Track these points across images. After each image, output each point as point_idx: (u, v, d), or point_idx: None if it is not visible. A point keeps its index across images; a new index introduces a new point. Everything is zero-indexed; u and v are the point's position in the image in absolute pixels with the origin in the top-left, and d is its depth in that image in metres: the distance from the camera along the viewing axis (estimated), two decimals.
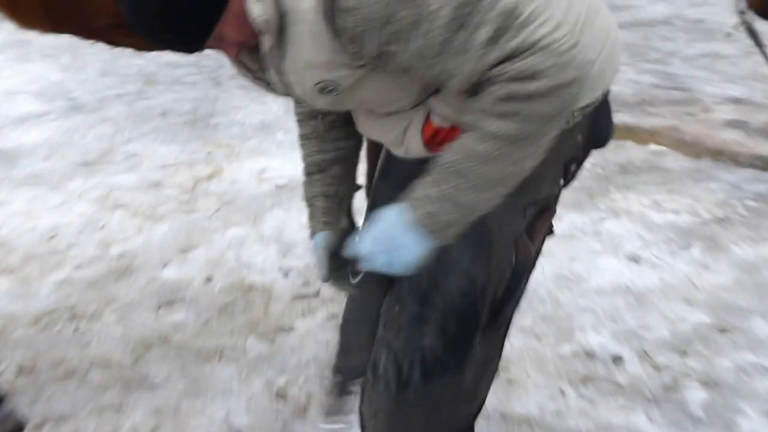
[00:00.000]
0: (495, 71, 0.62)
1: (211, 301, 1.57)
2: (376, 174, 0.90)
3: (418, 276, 0.75)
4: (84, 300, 1.58)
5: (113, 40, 1.18)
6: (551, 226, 0.84)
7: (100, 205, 2.00)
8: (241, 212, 1.96)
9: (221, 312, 1.54)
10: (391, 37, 0.61)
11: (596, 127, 0.78)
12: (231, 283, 1.64)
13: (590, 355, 1.39)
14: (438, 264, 0.75)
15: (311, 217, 0.88)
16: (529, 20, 0.60)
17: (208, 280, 1.65)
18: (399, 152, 0.78)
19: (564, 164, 0.77)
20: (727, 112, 2.55)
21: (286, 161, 2.22)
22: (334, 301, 1.57)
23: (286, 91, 0.70)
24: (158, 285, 1.63)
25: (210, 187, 2.11)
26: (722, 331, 1.45)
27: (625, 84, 2.80)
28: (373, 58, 0.63)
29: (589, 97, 0.73)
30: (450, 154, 0.66)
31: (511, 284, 0.79)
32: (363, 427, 0.86)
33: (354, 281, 0.83)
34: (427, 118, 0.72)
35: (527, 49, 0.60)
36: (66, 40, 3.64)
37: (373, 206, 0.88)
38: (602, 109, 0.78)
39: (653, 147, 2.31)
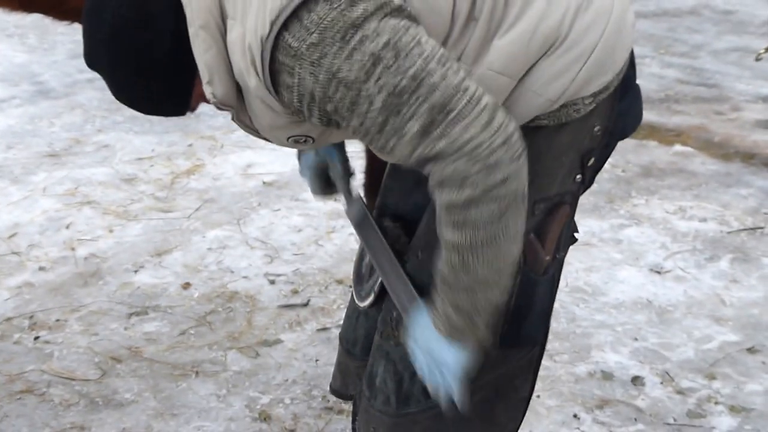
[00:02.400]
0: (426, 170, 0.66)
1: (188, 310, 1.56)
2: (386, 171, 0.92)
3: (416, 279, 0.76)
4: (46, 307, 1.56)
5: None
6: (574, 230, 0.82)
7: (67, 202, 1.98)
8: (223, 212, 1.94)
9: (199, 322, 1.52)
10: (332, 112, 0.66)
11: (616, 114, 0.77)
12: (211, 291, 1.62)
13: (608, 376, 1.38)
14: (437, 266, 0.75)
15: None
16: (459, 117, 0.64)
17: (186, 286, 1.64)
18: None
19: (580, 157, 0.76)
20: (760, 112, 2.57)
21: (274, 156, 2.21)
22: (324, 312, 1.56)
23: (269, 141, 0.75)
24: (130, 291, 1.62)
25: (190, 184, 2.09)
26: (752, 351, 1.45)
27: (648, 78, 2.81)
28: (324, 123, 0.69)
29: (598, 82, 0.73)
30: (440, 264, 0.71)
31: (524, 293, 0.78)
32: None
33: (363, 305, 0.84)
34: None
35: (453, 153, 0.64)
36: (33, 18, 3.59)
37: (383, 203, 0.91)
38: (623, 94, 0.77)
39: (678, 148, 2.32)
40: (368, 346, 0.90)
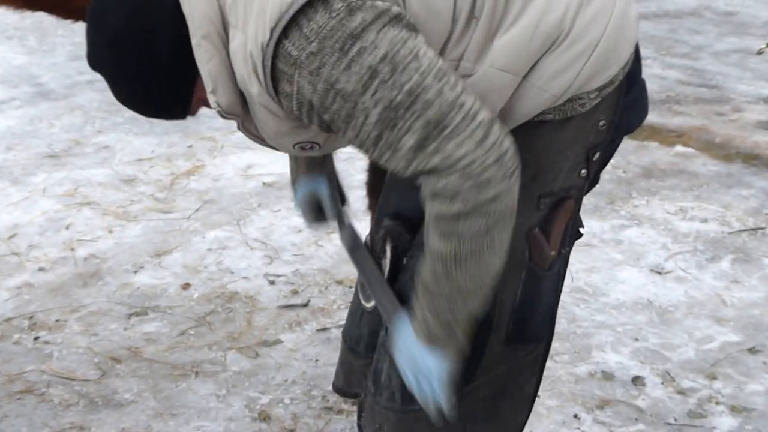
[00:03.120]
0: (419, 181, 0.68)
1: (188, 310, 1.57)
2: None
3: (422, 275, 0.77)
4: (46, 307, 1.57)
5: None
6: (579, 225, 0.82)
7: (67, 202, 1.99)
8: (223, 212, 1.95)
9: (199, 323, 1.53)
10: (329, 122, 0.67)
11: (622, 108, 0.78)
12: (211, 291, 1.63)
13: (608, 376, 1.39)
14: None
15: (294, 168, 0.97)
16: (454, 134, 0.64)
17: (186, 287, 1.65)
18: None
19: (585, 152, 0.77)
20: (761, 113, 2.58)
21: (274, 157, 2.22)
22: (324, 313, 1.57)
23: (276, 149, 0.77)
24: (129, 292, 1.63)
25: (190, 184, 2.10)
26: (753, 351, 1.45)
27: (649, 80, 2.78)
28: (325, 129, 0.70)
29: (603, 76, 0.74)
30: (422, 269, 0.72)
31: (529, 288, 0.78)
32: None
33: (369, 305, 0.87)
34: None
35: (446, 168, 0.65)
36: (32, 20, 3.57)
37: (385, 201, 0.92)
38: (629, 88, 0.78)
39: (680, 149, 2.33)
40: (372, 344, 0.91)
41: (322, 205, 0.95)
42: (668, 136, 2.41)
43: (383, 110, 0.63)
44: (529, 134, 0.73)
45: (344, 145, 0.76)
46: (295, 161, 0.97)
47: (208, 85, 0.68)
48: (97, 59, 0.71)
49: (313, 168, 0.95)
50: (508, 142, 0.66)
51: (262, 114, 0.70)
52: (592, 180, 0.82)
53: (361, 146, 0.67)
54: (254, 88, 0.67)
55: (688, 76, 2.94)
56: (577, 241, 0.85)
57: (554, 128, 0.74)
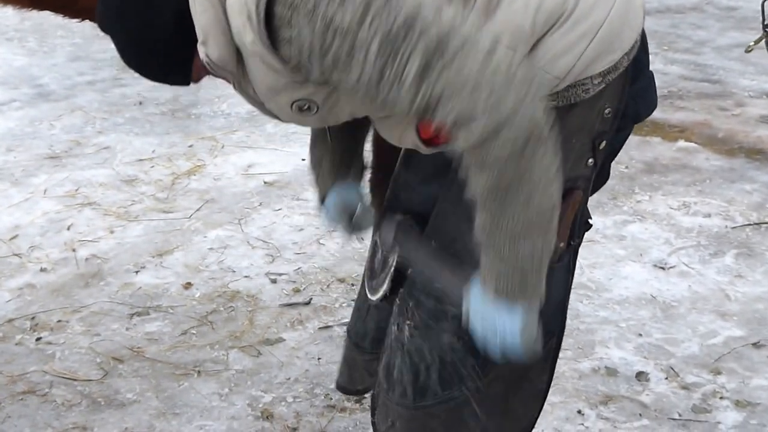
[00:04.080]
0: (434, 119, 0.65)
1: (189, 310, 1.57)
2: (398, 163, 0.92)
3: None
4: (47, 308, 1.57)
5: None
6: (587, 217, 0.82)
7: (68, 203, 2.00)
8: (224, 212, 1.96)
9: (201, 322, 1.54)
10: (331, 66, 0.65)
11: (628, 97, 0.77)
12: (212, 290, 1.64)
13: (612, 372, 1.39)
14: (453, 254, 0.76)
15: (317, 179, 0.94)
16: (460, 50, 0.63)
17: (187, 286, 1.65)
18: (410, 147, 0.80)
19: (591, 140, 0.76)
20: (764, 107, 2.57)
21: (275, 156, 2.23)
22: (326, 311, 1.57)
23: (276, 117, 0.76)
24: (131, 292, 1.63)
25: (191, 184, 2.11)
26: (757, 346, 1.46)
27: None
28: (324, 81, 0.68)
29: (606, 61, 0.73)
30: (477, 218, 0.69)
31: None
32: None
33: (376, 297, 0.86)
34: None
35: (454, 92, 0.63)
36: (32, 21, 3.59)
37: (394, 197, 0.91)
38: (635, 77, 0.77)
39: (682, 144, 2.33)
40: (378, 338, 0.91)
41: (355, 214, 0.92)
42: (671, 132, 2.41)
43: (382, 41, 0.62)
44: None
45: (345, 109, 0.74)
46: (319, 170, 0.92)
47: (200, 36, 0.68)
48: (105, 21, 0.73)
49: (343, 172, 0.90)
50: (518, 57, 0.64)
51: (258, 67, 0.68)
52: (601, 174, 0.81)
53: (366, 92, 0.65)
54: (248, 38, 0.66)
55: (690, 71, 2.93)
56: (590, 227, 0.84)
57: (558, 116, 0.73)
